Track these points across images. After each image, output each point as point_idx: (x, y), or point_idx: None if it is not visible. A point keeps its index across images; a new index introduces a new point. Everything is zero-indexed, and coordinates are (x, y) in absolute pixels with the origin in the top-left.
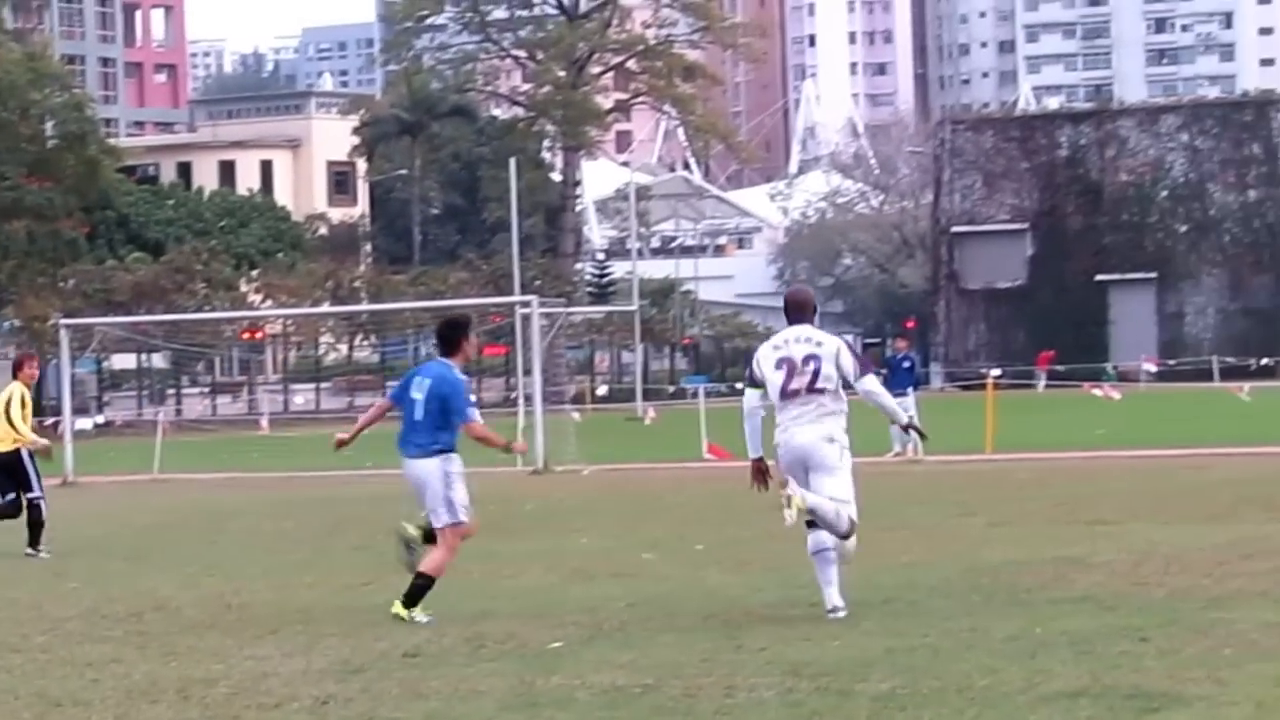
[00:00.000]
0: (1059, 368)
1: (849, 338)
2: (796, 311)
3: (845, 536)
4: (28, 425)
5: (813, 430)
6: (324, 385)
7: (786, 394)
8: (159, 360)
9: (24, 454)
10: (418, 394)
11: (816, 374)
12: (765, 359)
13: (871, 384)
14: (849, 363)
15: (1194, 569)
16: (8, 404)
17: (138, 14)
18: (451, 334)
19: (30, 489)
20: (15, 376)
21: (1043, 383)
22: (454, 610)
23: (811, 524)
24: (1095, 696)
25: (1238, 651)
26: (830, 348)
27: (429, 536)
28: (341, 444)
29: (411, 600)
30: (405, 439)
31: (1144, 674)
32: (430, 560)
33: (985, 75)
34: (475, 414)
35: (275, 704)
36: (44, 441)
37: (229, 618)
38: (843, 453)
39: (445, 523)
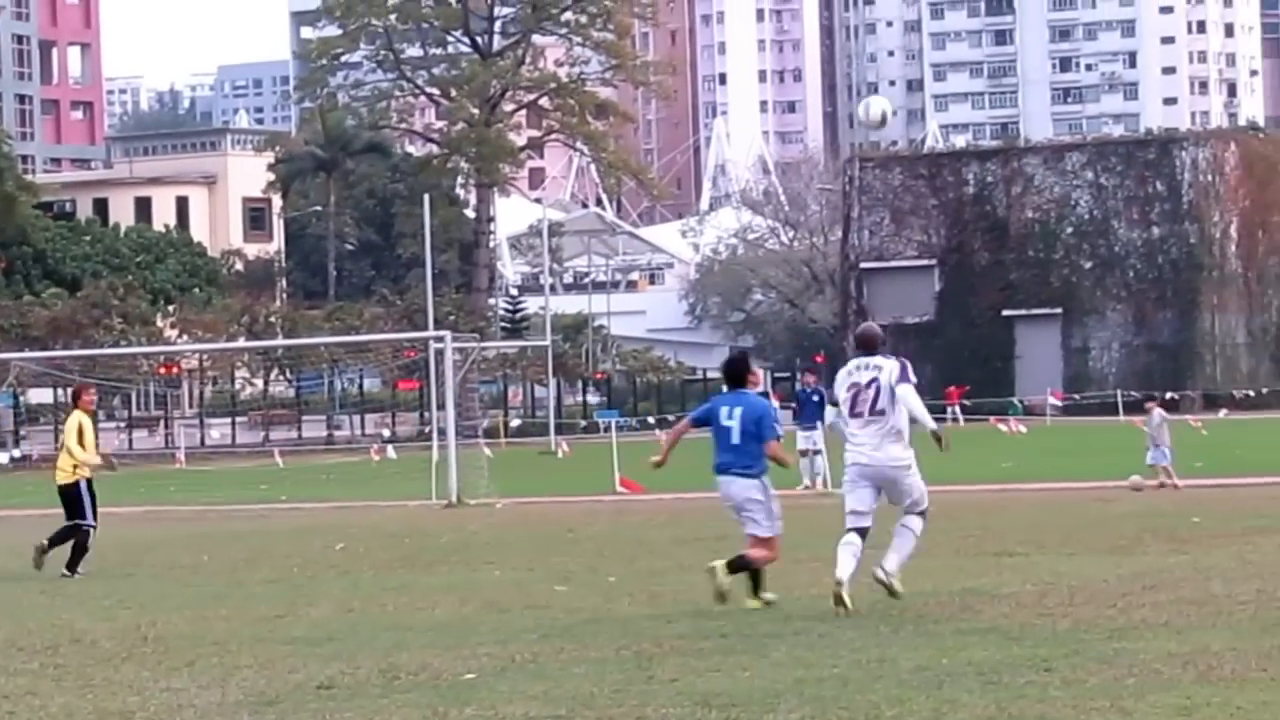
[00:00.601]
0: (965, 402)
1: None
2: (864, 347)
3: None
4: (90, 451)
5: (879, 453)
6: (240, 419)
7: (854, 415)
8: None
9: (83, 485)
10: (730, 421)
11: (877, 395)
12: (840, 383)
13: (905, 390)
14: (895, 372)
15: (1098, 600)
16: (79, 432)
17: (54, 51)
18: (736, 370)
19: (83, 516)
20: (75, 405)
21: (953, 417)
22: (368, 642)
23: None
24: None
25: (1141, 681)
26: (888, 368)
27: (732, 566)
28: (658, 465)
29: (756, 589)
30: (725, 462)
31: (1049, 704)
32: (755, 556)
33: (894, 113)
34: (780, 434)
35: None
36: (97, 461)
37: (145, 650)
38: (910, 466)
39: (768, 533)
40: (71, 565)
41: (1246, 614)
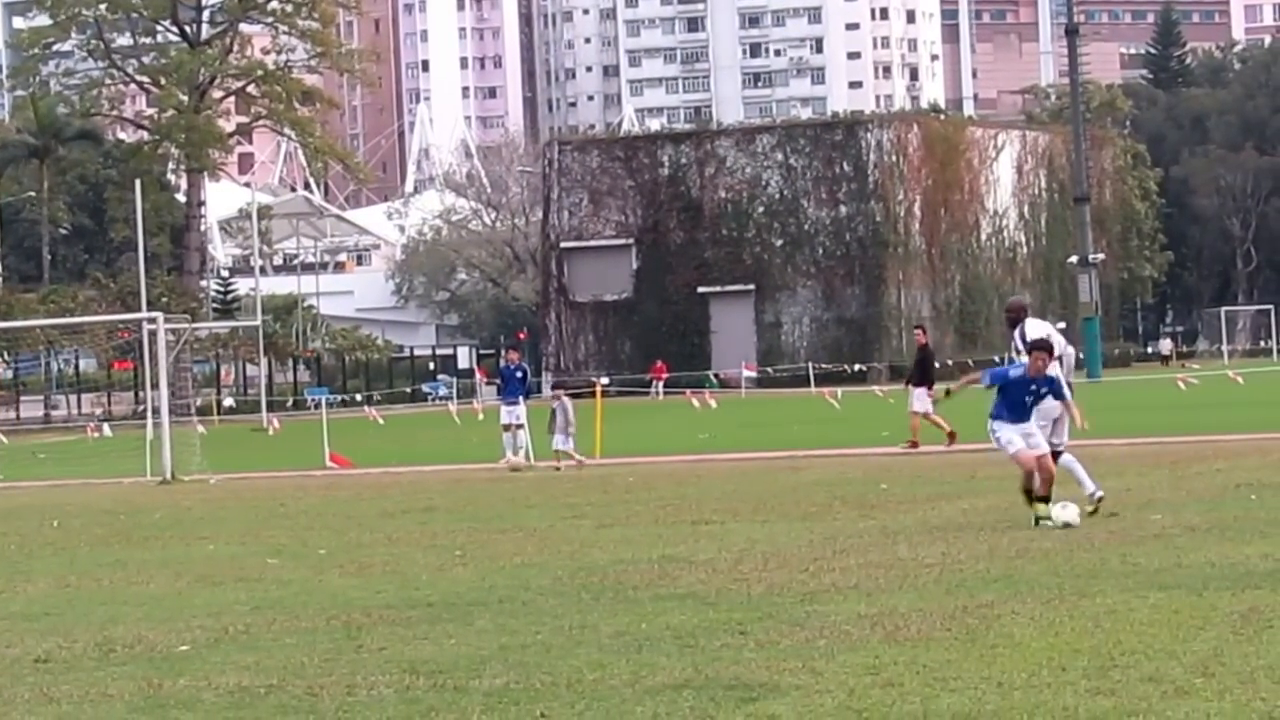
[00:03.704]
0: (664, 376)
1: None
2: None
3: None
4: None
5: None
6: None
7: None
8: None
9: None
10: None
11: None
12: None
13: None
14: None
15: (791, 565)
16: None
17: None
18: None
19: None
20: None
21: (656, 391)
22: (84, 617)
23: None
24: (698, 688)
25: (831, 642)
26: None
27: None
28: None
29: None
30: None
31: (744, 665)
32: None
33: (591, 98)
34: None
35: None
36: None
37: None
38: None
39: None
40: None
41: (931, 576)
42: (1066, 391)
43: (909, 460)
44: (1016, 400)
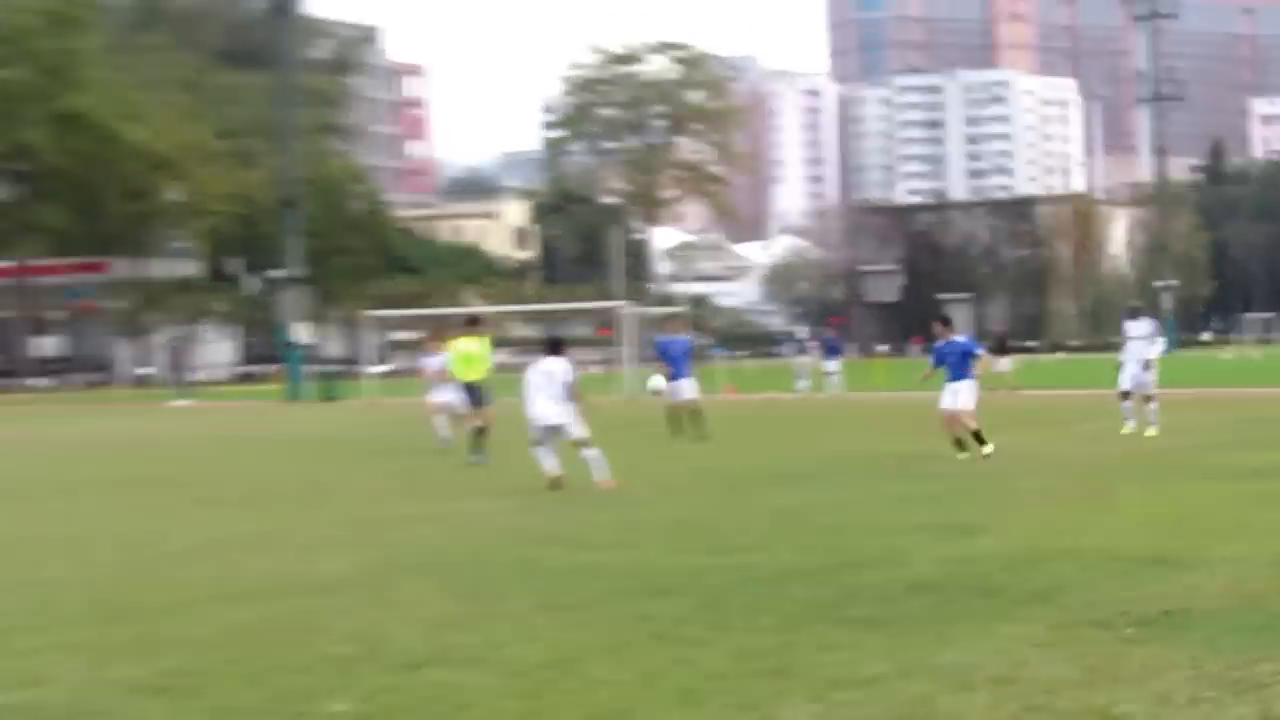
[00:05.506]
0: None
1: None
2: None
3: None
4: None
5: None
6: None
7: None
8: None
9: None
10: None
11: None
12: None
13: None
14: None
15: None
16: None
17: None
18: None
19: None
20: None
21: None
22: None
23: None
24: (938, 528)
25: (1016, 503)
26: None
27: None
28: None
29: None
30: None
31: (963, 515)
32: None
33: (876, 181)
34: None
35: None
36: None
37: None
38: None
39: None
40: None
41: (1081, 466)
42: (977, 348)
43: (1019, 400)
44: (944, 363)
